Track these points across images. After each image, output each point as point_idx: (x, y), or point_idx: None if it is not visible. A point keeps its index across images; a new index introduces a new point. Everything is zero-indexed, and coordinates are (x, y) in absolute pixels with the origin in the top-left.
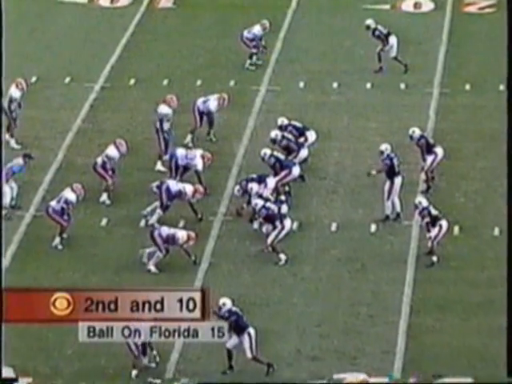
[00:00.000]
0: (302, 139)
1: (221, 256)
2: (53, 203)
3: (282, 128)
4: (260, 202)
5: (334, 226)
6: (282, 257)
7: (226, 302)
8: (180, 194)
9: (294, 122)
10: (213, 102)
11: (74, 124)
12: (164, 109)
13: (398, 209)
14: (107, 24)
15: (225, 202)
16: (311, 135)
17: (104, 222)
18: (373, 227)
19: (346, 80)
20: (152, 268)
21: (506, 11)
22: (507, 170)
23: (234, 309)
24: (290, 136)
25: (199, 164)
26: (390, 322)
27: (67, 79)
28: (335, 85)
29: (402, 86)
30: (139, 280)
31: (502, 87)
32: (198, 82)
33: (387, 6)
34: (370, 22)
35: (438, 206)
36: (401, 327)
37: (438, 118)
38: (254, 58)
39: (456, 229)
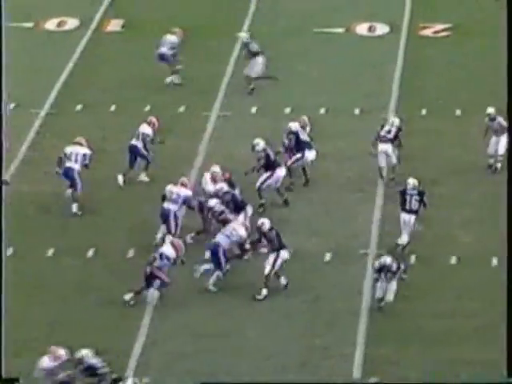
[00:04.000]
0: (298, 155)
1: (173, 285)
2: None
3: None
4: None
5: (287, 255)
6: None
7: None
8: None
9: (303, 136)
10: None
11: (19, 151)
12: (146, 129)
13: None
14: (53, 48)
15: None
16: (310, 154)
17: (50, 252)
18: (327, 256)
19: (299, 104)
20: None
21: (461, 35)
22: (507, 174)
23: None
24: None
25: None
26: (346, 354)
27: (12, 105)
28: (288, 110)
29: (357, 111)
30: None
31: (458, 112)
32: (147, 108)
33: (341, 30)
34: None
35: (395, 232)
36: (356, 359)
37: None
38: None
39: (413, 258)
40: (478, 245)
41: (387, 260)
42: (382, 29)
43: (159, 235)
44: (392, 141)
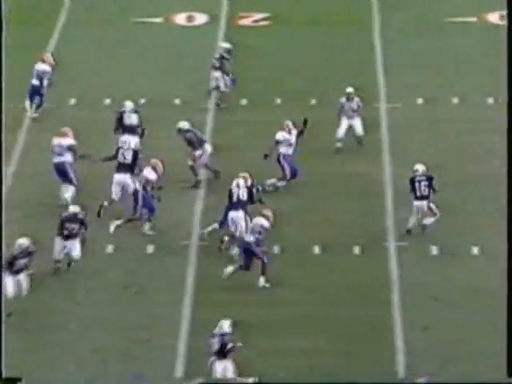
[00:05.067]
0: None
1: None
2: None
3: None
4: None
5: (110, 248)
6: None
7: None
8: None
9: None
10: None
11: None
12: (42, 66)
13: None
14: None
15: None
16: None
17: None
18: (150, 248)
19: (118, 96)
20: None
21: (280, 24)
22: (507, 175)
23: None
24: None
25: None
26: (169, 346)
27: None
28: (108, 101)
29: (177, 101)
30: None
31: (279, 101)
32: None
33: (160, 19)
34: None
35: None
36: (179, 351)
37: (216, 133)
38: None
39: (235, 249)
40: (299, 234)
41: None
42: (200, 18)
43: (66, 195)
44: (220, 68)
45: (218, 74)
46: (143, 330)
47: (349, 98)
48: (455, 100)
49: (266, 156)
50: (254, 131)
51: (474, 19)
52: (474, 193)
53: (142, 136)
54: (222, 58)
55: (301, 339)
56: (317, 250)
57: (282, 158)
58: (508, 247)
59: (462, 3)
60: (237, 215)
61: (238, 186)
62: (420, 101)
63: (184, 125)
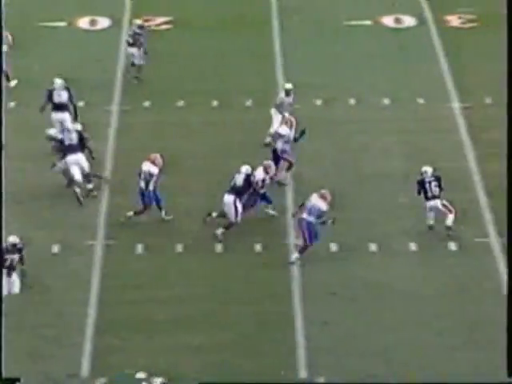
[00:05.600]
0: None
1: None
2: None
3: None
4: None
5: None
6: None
7: None
8: None
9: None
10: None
11: None
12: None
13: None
14: None
15: None
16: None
17: None
18: (55, 248)
19: (22, 99)
20: None
21: (182, 27)
22: (507, 174)
23: None
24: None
25: None
26: (75, 344)
27: None
28: (12, 104)
29: (81, 103)
30: None
31: (181, 103)
32: None
33: (63, 23)
34: None
35: (120, 224)
36: (86, 349)
37: (120, 134)
38: None
39: (140, 247)
40: (202, 231)
41: None
42: (103, 22)
43: None
44: (134, 44)
45: (133, 50)
46: (49, 329)
47: (288, 94)
48: (352, 101)
49: (266, 144)
50: (158, 132)
51: (369, 22)
52: (371, 191)
53: (75, 114)
54: (134, 34)
55: (204, 336)
56: (219, 247)
57: (280, 153)
58: (508, 246)
59: (358, 7)
60: (227, 198)
61: (239, 171)
62: (318, 102)
63: (55, 133)
